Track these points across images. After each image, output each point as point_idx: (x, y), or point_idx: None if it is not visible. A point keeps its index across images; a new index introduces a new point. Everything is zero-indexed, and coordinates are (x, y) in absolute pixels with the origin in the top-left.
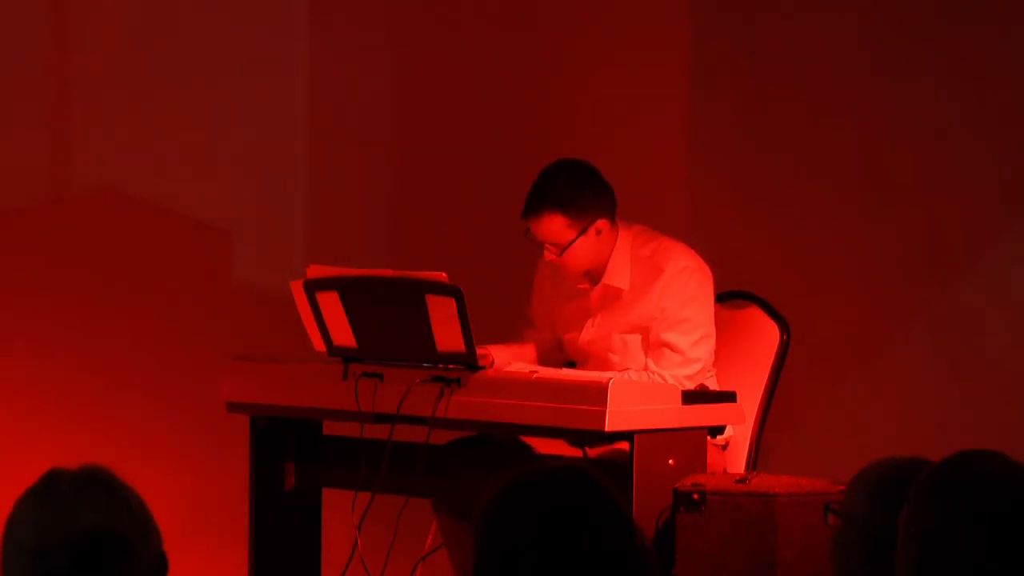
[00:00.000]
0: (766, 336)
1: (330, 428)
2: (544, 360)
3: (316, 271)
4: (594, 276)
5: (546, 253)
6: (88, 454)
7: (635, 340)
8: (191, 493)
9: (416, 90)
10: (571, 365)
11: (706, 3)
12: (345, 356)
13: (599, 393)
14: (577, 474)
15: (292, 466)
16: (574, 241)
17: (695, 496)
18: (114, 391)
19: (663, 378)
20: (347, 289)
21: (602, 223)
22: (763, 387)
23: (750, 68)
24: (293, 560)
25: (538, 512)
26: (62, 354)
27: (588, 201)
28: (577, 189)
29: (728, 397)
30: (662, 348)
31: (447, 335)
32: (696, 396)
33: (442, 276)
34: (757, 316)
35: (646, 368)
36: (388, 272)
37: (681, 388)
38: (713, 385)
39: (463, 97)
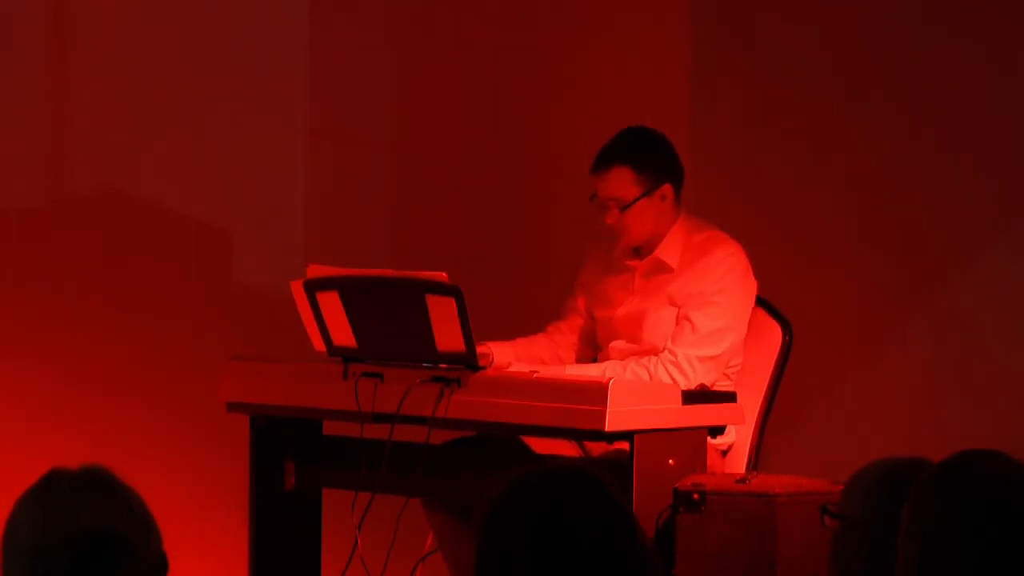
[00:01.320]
0: (768, 337)
1: (330, 428)
2: (580, 349)
3: (316, 271)
4: (644, 253)
5: (608, 216)
6: (88, 454)
7: (670, 314)
8: (191, 493)
9: (416, 91)
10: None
11: (706, 5)
12: (345, 356)
13: (599, 393)
14: (578, 474)
15: (292, 466)
16: (638, 199)
17: (695, 496)
18: (114, 391)
19: (674, 355)
20: (347, 289)
21: (667, 189)
22: (765, 388)
23: (750, 69)
24: (293, 560)
25: (539, 512)
26: (62, 354)
27: (658, 162)
28: (649, 148)
29: (728, 397)
30: (683, 323)
31: (447, 335)
32: (696, 396)
33: (442, 276)
34: (759, 317)
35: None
36: (388, 272)
37: (690, 369)
38: (730, 387)
39: (463, 98)
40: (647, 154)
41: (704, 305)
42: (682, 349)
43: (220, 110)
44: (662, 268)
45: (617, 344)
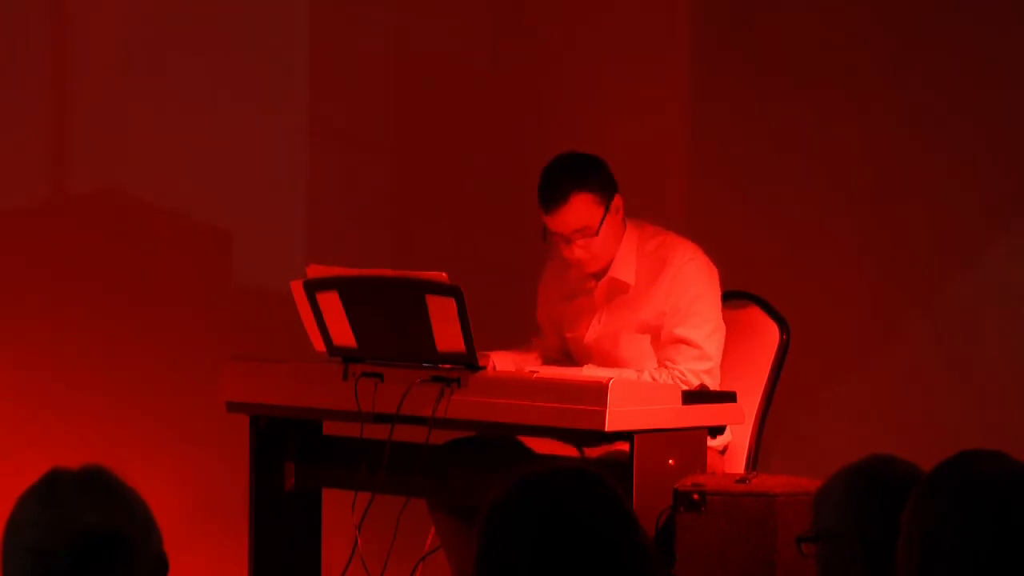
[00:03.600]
0: (766, 336)
1: (330, 428)
2: (551, 364)
3: (316, 271)
4: (600, 273)
5: (573, 249)
6: (88, 454)
7: (645, 341)
8: (191, 493)
9: (416, 90)
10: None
11: (706, 5)
12: (345, 356)
13: (599, 393)
14: (581, 474)
15: (292, 466)
16: (604, 218)
17: (695, 496)
18: (114, 391)
19: (683, 373)
20: (347, 289)
21: (618, 200)
22: (763, 387)
23: (750, 68)
24: (293, 560)
25: (541, 511)
26: (62, 354)
27: (603, 177)
28: (591, 168)
29: (728, 397)
30: (678, 344)
31: (447, 335)
32: (696, 396)
33: (442, 276)
34: (757, 316)
35: (663, 365)
36: (388, 272)
37: (698, 382)
38: (718, 384)
39: (463, 97)
40: (593, 173)
41: (687, 319)
42: (685, 365)
43: (220, 110)
44: (620, 287)
45: (590, 368)
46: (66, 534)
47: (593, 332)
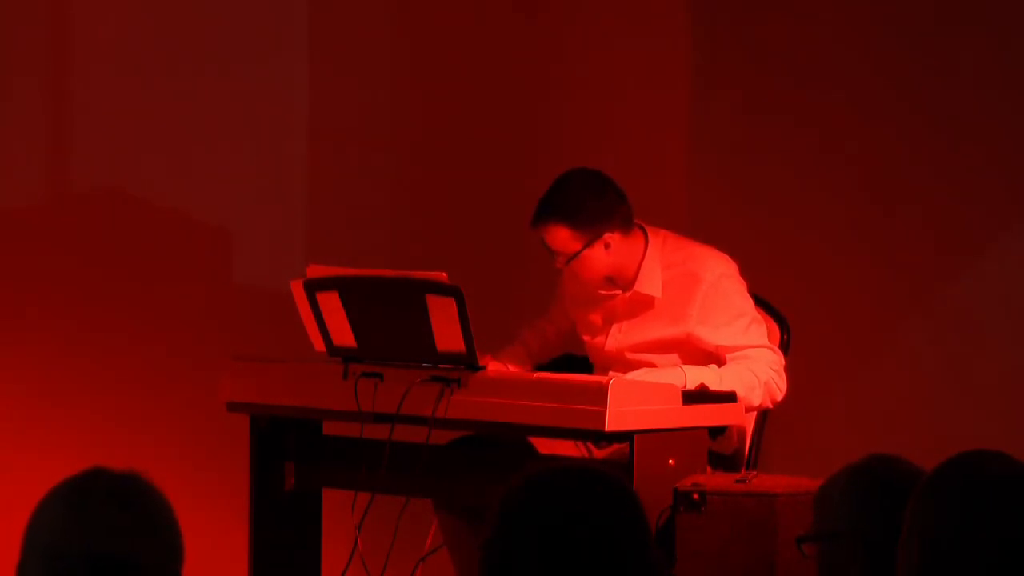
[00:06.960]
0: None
1: (330, 428)
2: (549, 349)
3: (316, 271)
4: (620, 282)
5: (557, 261)
6: (87, 454)
7: (669, 355)
8: (191, 493)
9: (416, 90)
10: (573, 364)
11: (706, 5)
12: (345, 356)
13: (599, 393)
14: (593, 473)
15: (292, 466)
16: (579, 252)
17: (695, 496)
18: (114, 391)
19: (778, 373)
20: (347, 289)
21: (611, 236)
22: None
23: (750, 67)
24: (293, 560)
25: (551, 508)
26: (61, 354)
27: (595, 213)
28: (584, 201)
29: (728, 397)
30: (745, 352)
31: (447, 335)
32: (696, 396)
33: (442, 276)
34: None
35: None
36: (388, 272)
37: (781, 375)
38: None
39: (463, 97)
40: (581, 207)
41: (738, 331)
42: (770, 367)
43: (220, 109)
44: (646, 301)
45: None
46: (85, 550)
47: (614, 341)
